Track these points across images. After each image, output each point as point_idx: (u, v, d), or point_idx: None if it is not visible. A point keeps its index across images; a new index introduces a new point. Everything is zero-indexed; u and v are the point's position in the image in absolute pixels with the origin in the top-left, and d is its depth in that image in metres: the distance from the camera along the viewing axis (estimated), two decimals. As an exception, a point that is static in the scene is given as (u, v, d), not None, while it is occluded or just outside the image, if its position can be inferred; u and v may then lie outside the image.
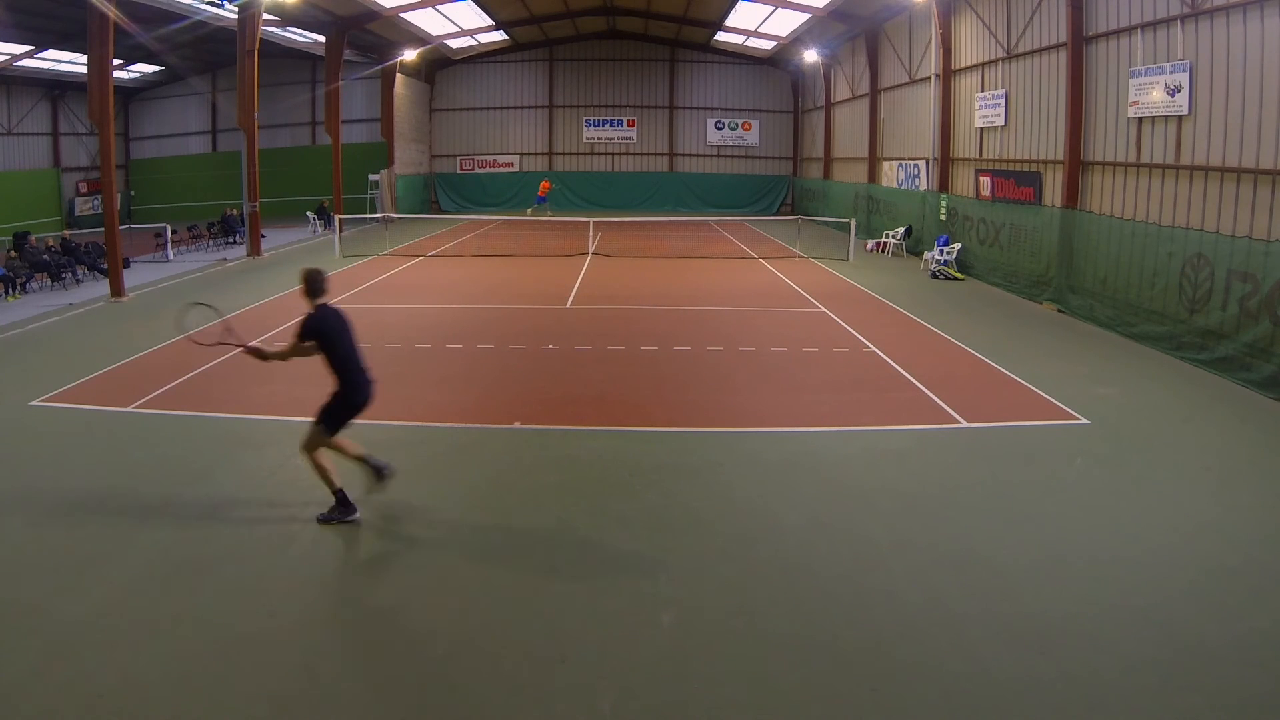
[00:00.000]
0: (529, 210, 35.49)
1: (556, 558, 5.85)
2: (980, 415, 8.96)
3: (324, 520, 6.25)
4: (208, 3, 22.16)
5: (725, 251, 24.16)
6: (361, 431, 8.44)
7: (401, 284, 18.07)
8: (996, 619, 5.02)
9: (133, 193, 37.21)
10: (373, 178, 34.19)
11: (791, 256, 22.90)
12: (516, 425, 8.64)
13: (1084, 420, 8.81)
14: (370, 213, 31.94)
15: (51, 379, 10.25)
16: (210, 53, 32.80)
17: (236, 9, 21.96)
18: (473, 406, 9.35)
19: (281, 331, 12.94)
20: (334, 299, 15.50)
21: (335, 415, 6.15)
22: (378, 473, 6.35)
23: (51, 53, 28.47)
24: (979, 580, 5.49)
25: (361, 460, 6.32)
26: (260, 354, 6.27)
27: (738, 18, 31.56)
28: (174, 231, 24.01)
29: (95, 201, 33.44)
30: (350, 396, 6.15)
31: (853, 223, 23.22)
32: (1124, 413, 9.16)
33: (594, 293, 16.76)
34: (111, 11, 15.81)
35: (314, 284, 6.10)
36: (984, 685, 4.40)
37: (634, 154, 40.30)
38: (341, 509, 6.26)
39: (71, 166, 34.57)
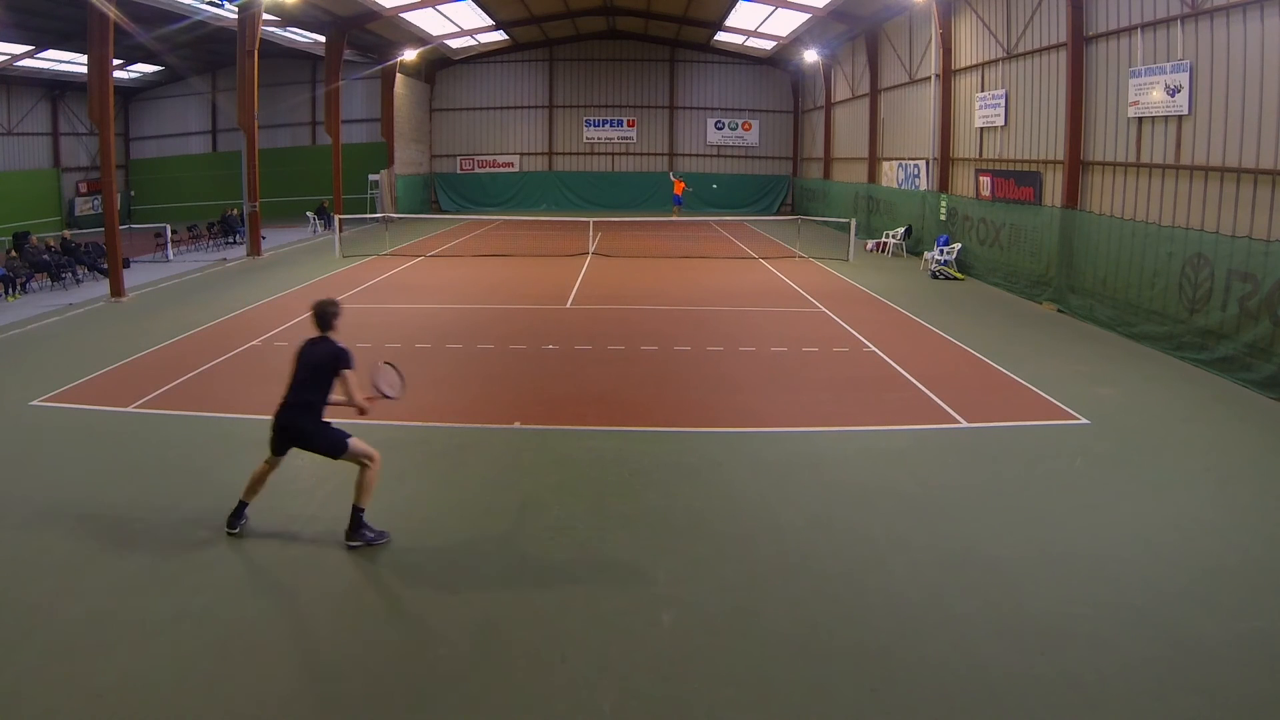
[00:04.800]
0: (674, 212, 34.89)
1: (557, 558, 5.85)
2: (980, 415, 8.96)
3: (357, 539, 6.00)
4: (208, 3, 22.16)
5: (725, 251, 24.15)
6: (362, 431, 8.48)
7: (401, 284, 18.07)
8: (996, 618, 5.02)
9: (133, 193, 37.20)
10: (373, 178, 34.19)
11: (791, 256, 22.90)
12: (516, 425, 8.64)
13: (1084, 420, 8.81)
14: (370, 213, 31.94)
15: (51, 379, 10.25)
16: (210, 53, 32.79)
17: (236, 9, 21.96)
18: (473, 406, 9.35)
19: (282, 331, 12.96)
20: (335, 298, 15.69)
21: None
22: (234, 518, 6.12)
23: (51, 53, 28.45)
24: (979, 580, 5.50)
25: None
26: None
27: (738, 18, 31.55)
28: (174, 231, 24.02)
29: (95, 201, 33.42)
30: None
31: (853, 223, 23.23)
32: (1124, 412, 9.16)
33: (594, 293, 16.76)
34: (111, 11, 15.81)
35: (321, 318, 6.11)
36: (984, 685, 4.40)
37: (634, 154, 40.31)
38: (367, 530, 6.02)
39: (71, 166, 34.55)
